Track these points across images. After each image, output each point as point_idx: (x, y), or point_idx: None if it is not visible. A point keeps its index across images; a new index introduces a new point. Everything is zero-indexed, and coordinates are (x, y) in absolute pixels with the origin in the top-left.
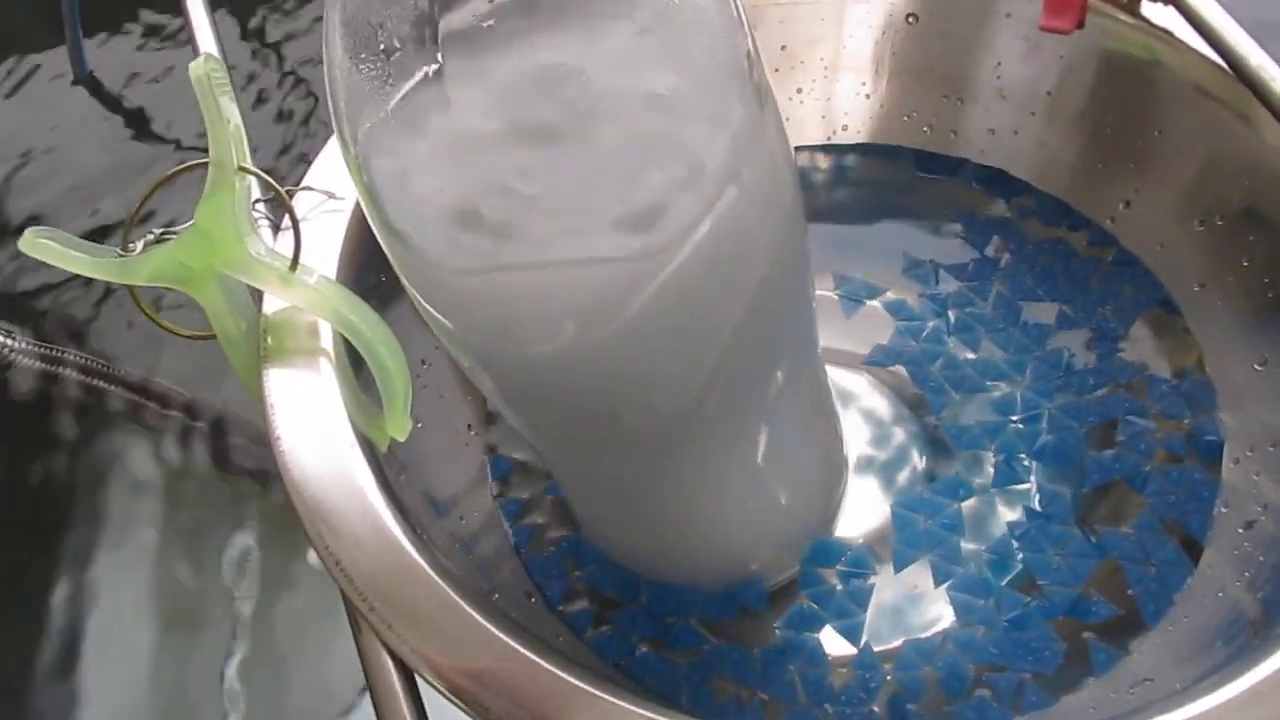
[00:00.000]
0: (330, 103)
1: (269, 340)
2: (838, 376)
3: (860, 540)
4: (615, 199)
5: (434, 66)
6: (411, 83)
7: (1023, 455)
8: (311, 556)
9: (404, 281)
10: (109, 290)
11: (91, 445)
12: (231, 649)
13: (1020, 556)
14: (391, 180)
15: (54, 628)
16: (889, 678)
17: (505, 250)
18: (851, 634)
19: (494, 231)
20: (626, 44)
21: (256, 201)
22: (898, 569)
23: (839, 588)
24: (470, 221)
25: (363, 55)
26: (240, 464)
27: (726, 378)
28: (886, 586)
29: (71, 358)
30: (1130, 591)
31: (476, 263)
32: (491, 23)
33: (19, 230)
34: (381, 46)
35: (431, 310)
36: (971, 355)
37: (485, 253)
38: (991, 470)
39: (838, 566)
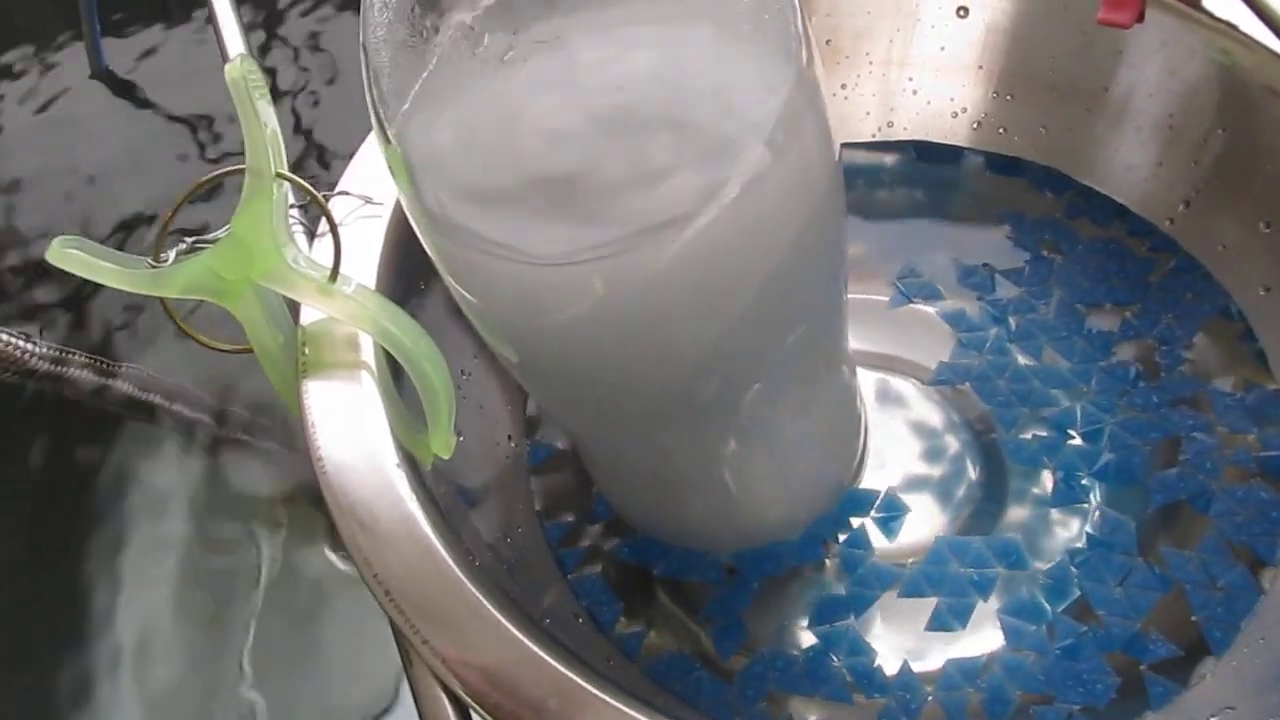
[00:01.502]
0: (367, 83)
1: (307, 353)
2: (892, 382)
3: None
4: (653, 165)
5: (478, 46)
6: (451, 62)
7: (1082, 474)
8: (338, 561)
9: (435, 261)
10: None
11: (115, 451)
12: (254, 646)
13: (1079, 583)
14: (428, 157)
15: (85, 629)
16: (930, 699)
17: (543, 229)
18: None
19: (532, 210)
20: (673, 22)
21: (291, 207)
22: (904, 593)
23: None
24: (503, 202)
25: (403, 36)
26: (265, 469)
27: (745, 343)
28: (889, 604)
29: (91, 361)
30: (1194, 618)
31: (504, 244)
32: (528, 6)
33: (27, 231)
34: (423, 26)
35: (463, 291)
36: (1034, 363)
37: (512, 235)
38: (1050, 487)
39: (871, 514)
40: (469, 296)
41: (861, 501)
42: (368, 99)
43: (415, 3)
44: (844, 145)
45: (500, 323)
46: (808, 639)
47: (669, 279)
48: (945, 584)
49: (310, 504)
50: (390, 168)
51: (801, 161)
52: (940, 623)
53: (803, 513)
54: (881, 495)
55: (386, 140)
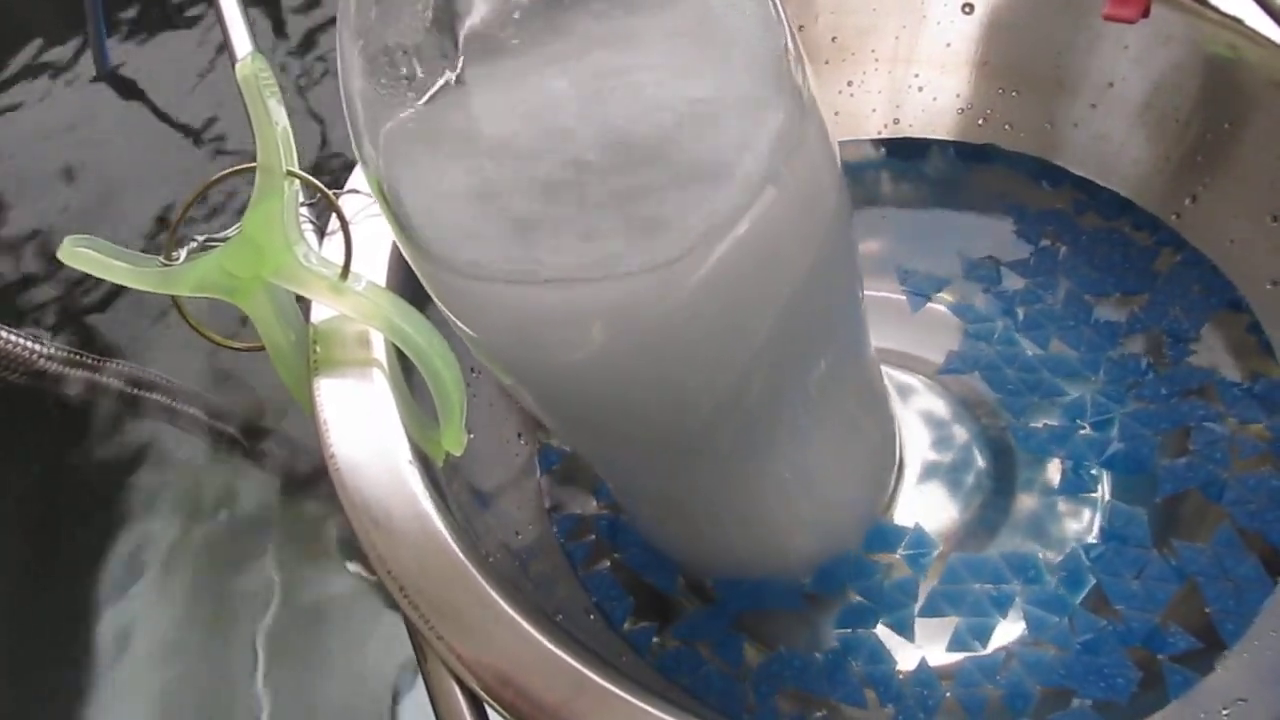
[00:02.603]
0: (348, 115)
1: (318, 351)
2: (900, 378)
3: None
4: (646, 207)
5: (456, 76)
6: (432, 93)
7: (1091, 463)
8: (347, 564)
9: (431, 293)
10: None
11: (124, 450)
12: (263, 647)
13: (1098, 579)
14: (413, 191)
15: (93, 627)
16: (948, 694)
17: (532, 261)
18: (903, 628)
19: (519, 242)
20: (657, 47)
21: (301, 205)
22: (923, 614)
23: (885, 582)
24: (492, 232)
25: (380, 67)
26: (273, 466)
27: (764, 379)
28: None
29: (99, 363)
30: (1207, 610)
31: (500, 274)
32: (512, 30)
33: (33, 232)
34: (399, 58)
35: (459, 323)
36: (1042, 353)
37: (510, 263)
38: (1058, 477)
39: (900, 551)
40: (474, 333)
41: (889, 538)
42: (349, 127)
43: (390, 42)
44: (850, 142)
45: (493, 355)
46: (828, 641)
47: (670, 315)
48: (964, 604)
49: (324, 503)
50: (373, 191)
51: (807, 178)
52: (961, 644)
53: (823, 548)
54: (910, 531)
55: (371, 168)
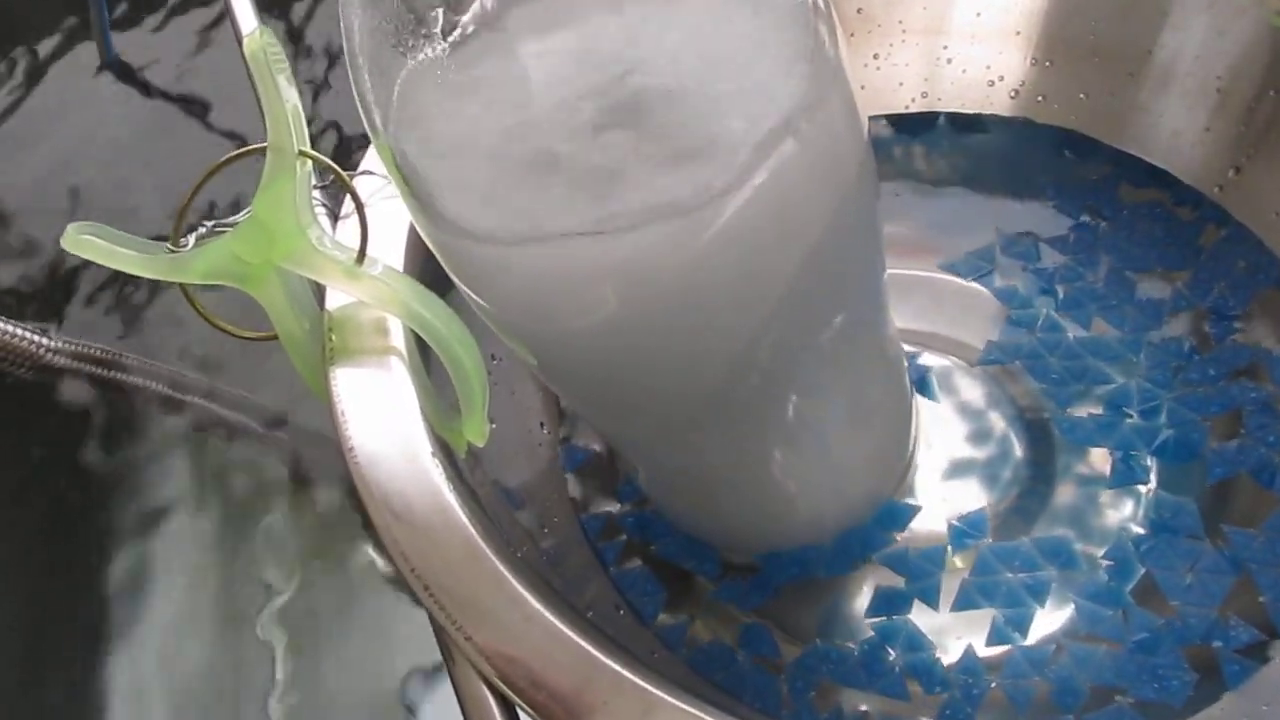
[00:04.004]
0: (352, 71)
1: (333, 339)
2: (937, 362)
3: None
4: (668, 151)
5: (472, 27)
6: (443, 50)
7: (1140, 452)
8: (362, 551)
9: (443, 263)
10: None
11: (132, 443)
12: (277, 640)
13: (1143, 563)
14: (424, 153)
15: (104, 623)
16: (993, 685)
17: (545, 217)
18: (929, 596)
19: (535, 199)
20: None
21: (314, 188)
22: (956, 607)
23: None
24: (506, 190)
25: (388, 19)
26: (288, 457)
27: (778, 338)
28: (932, 616)
29: (108, 356)
30: (1261, 599)
31: (513, 235)
32: None
33: (40, 223)
34: (408, 19)
35: (471, 293)
36: (1084, 334)
37: (524, 220)
38: (1102, 466)
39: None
40: (477, 298)
41: (899, 516)
42: (355, 95)
43: None
44: (878, 117)
45: (506, 323)
46: (864, 631)
47: (685, 269)
48: (999, 595)
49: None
50: (387, 166)
51: (828, 139)
52: (1001, 637)
53: (835, 520)
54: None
55: (380, 125)
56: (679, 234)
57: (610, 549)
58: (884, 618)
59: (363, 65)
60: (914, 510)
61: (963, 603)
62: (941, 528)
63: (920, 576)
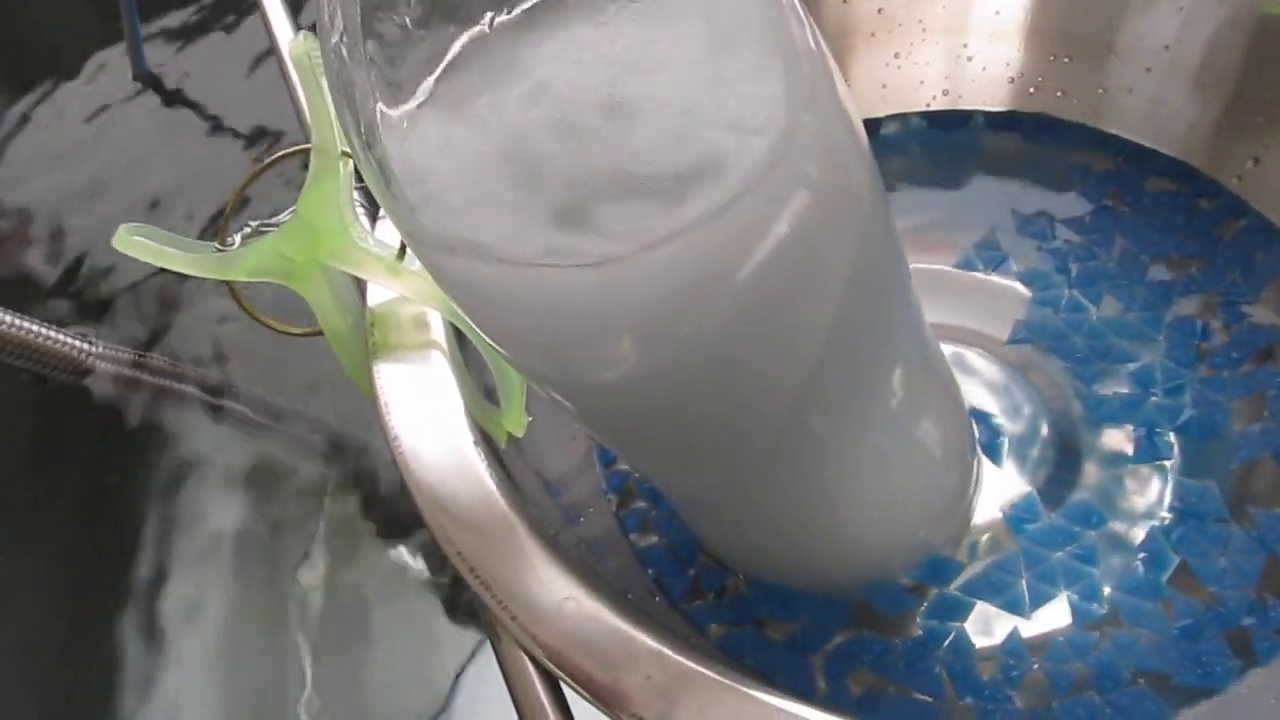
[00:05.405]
0: (333, 100)
1: (376, 334)
2: (959, 352)
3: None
4: (659, 173)
5: (458, 50)
6: (434, 69)
7: (1164, 429)
8: (393, 553)
9: (451, 301)
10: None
11: (169, 446)
12: (307, 641)
13: (1176, 551)
14: (419, 180)
15: (138, 621)
16: (1035, 667)
17: (561, 244)
18: (1014, 607)
19: (548, 231)
20: (663, 17)
21: (355, 187)
22: (1033, 607)
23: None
24: (509, 216)
25: (373, 44)
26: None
27: (808, 383)
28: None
29: (148, 361)
30: None
31: (525, 257)
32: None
33: (79, 231)
34: (395, 29)
35: (481, 334)
36: (1094, 310)
37: (536, 246)
38: (1128, 446)
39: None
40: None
41: (946, 571)
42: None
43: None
44: (900, 115)
45: (533, 362)
46: (912, 629)
47: (680, 297)
48: (1060, 576)
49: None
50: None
51: (828, 151)
52: (1084, 614)
53: (903, 555)
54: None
55: (368, 154)
56: (674, 260)
57: (637, 530)
58: (938, 621)
59: (340, 88)
60: (960, 565)
61: (1037, 600)
62: (996, 514)
63: (1000, 590)
